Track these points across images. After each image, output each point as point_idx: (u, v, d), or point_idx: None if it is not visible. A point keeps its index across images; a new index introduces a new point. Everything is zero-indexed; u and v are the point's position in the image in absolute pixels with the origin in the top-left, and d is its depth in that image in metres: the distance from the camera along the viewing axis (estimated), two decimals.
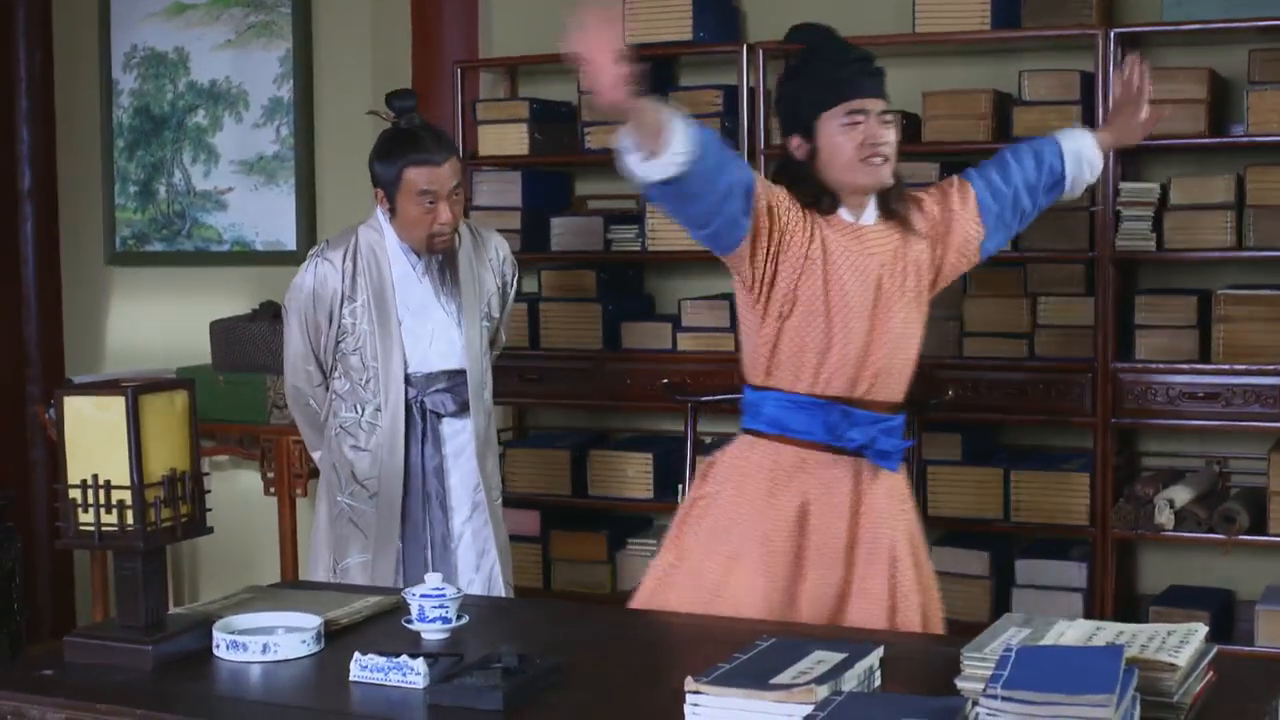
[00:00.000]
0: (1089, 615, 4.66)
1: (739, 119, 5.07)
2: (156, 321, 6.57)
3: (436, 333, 4.08)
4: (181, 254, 6.50)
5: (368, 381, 4.03)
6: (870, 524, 3.48)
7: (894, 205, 3.48)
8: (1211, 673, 2.52)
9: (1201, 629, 2.55)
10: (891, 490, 3.53)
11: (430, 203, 3.96)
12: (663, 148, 3.10)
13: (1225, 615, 4.75)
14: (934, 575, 3.62)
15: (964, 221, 3.58)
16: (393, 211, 4.01)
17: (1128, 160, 4.81)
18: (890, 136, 3.39)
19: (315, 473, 4.27)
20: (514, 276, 4.32)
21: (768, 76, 5.07)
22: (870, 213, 3.47)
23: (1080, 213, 4.72)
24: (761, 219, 3.32)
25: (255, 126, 6.30)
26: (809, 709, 2.29)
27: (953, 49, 5.09)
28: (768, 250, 3.37)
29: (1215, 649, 2.56)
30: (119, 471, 2.87)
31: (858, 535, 3.48)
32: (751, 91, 5.07)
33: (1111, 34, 4.64)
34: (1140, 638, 2.49)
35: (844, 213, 3.44)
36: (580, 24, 2.95)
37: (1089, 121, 4.69)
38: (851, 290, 3.41)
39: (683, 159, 3.12)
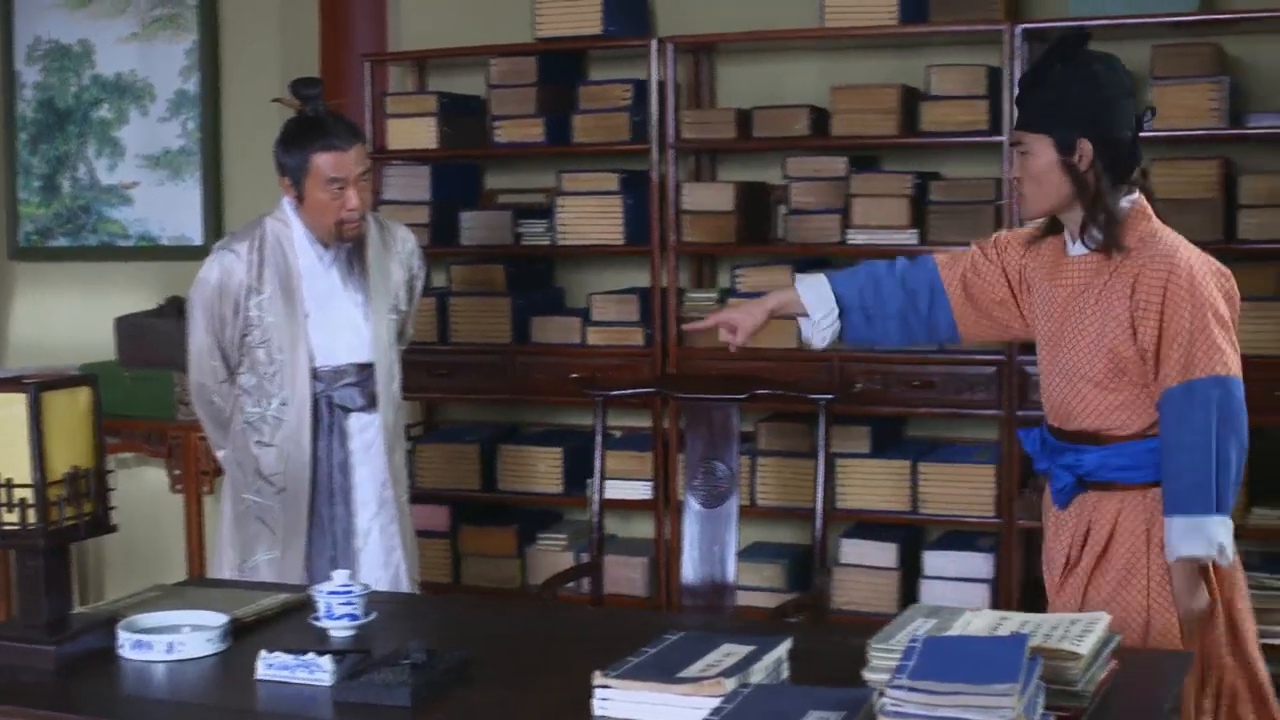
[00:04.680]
0: (996, 605, 4.70)
1: (648, 113, 5.08)
2: (61, 317, 6.49)
3: (343, 324, 4.05)
4: (86, 249, 6.43)
5: (274, 375, 3.99)
6: None
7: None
8: (1114, 661, 2.55)
9: (1104, 618, 2.59)
10: None
11: (339, 189, 3.93)
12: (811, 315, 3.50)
13: None
14: None
15: None
16: (300, 199, 3.98)
17: None
18: None
19: (221, 470, 4.24)
20: (422, 268, 4.30)
21: (678, 70, 5.08)
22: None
23: (985, 206, 4.77)
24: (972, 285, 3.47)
25: (161, 120, 6.24)
26: (717, 701, 2.30)
27: (861, 43, 5.12)
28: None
29: (1118, 638, 2.59)
30: (20, 469, 2.83)
31: None
32: (661, 85, 5.07)
33: (1018, 29, 4.68)
34: (1044, 627, 2.52)
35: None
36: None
37: (995, 114, 4.74)
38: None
39: (829, 320, 3.47)
